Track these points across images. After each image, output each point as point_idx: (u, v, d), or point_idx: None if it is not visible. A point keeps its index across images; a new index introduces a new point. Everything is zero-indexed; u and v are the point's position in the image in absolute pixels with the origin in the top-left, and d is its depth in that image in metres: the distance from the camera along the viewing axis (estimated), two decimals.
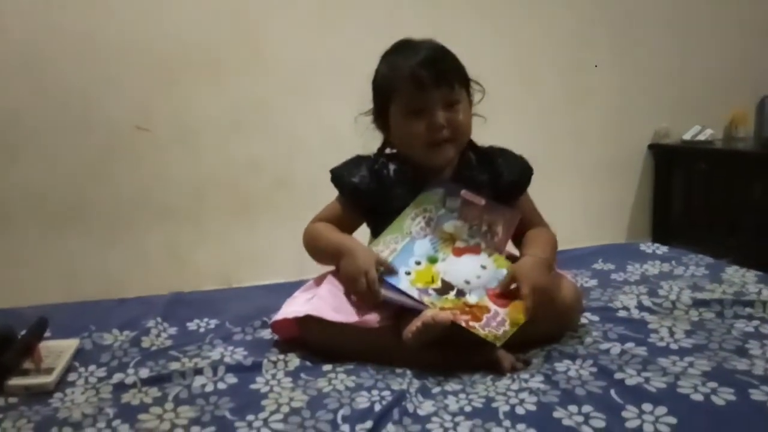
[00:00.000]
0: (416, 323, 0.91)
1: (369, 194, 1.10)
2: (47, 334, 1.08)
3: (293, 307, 1.03)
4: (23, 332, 1.02)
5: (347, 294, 1.01)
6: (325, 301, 1.00)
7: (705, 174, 2.59)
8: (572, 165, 2.57)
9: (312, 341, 1.00)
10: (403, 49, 1.09)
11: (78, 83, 2.02)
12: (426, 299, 0.97)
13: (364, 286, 0.98)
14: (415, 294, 0.98)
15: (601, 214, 2.71)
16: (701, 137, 2.63)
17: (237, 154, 2.22)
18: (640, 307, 1.14)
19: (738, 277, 1.28)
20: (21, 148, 2.00)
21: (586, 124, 2.61)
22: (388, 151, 1.16)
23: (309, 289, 1.10)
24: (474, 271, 1.02)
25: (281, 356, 0.98)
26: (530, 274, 0.99)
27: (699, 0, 2.67)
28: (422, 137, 1.06)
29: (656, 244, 1.53)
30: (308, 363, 0.96)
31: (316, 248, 1.11)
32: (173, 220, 2.19)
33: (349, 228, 1.13)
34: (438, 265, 1.03)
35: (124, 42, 2.03)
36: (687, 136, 2.65)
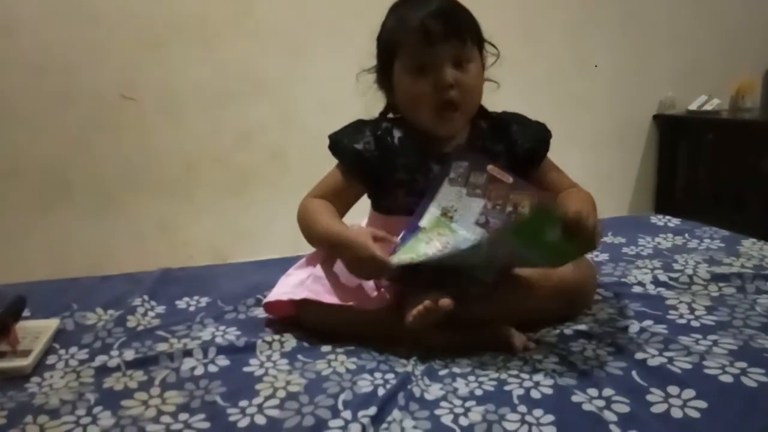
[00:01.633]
0: (418, 307, 0.84)
1: (372, 162, 1.01)
2: (25, 313, 1.01)
3: (287, 288, 0.96)
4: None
5: (347, 273, 0.93)
6: (321, 283, 0.92)
7: (711, 145, 2.52)
8: (575, 133, 2.49)
9: (309, 322, 0.93)
10: (413, 0, 1.00)
11: (58, 49, 1.91)
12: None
13: (372, 267, 0.88)
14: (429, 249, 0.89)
15: (603, 185, 2.61)
16: (707, 107, 2.56)
17: (228, 125, 2.13)
18: (656, 282, 1.08)
19: (756, 251, 1.22)
20: (1, 118, 1.91)
21: (590, 92, 2.53)
22: (392, 115, 1.07)
23: (305, 266, 1.02)
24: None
25: (276, 336, 0.92)
26: (573, 199, 0.94)
27: None
28: (428, 98, 0.97)
29: (667, 217, 1.47)
30: (306, 344, 0.90)
31: (310, 233, 1.00)
32: (162, 194, 2.11)
33: (350, 201, 1.04)
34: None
35: (108, 4, 1.93)
36: (693, 107, 2.58)
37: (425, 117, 0.99)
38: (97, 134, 2.00)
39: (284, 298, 0.94)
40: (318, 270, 0.95)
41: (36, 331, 0.94)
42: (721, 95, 2.58)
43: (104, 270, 2.02)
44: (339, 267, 0.95)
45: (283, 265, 1.11)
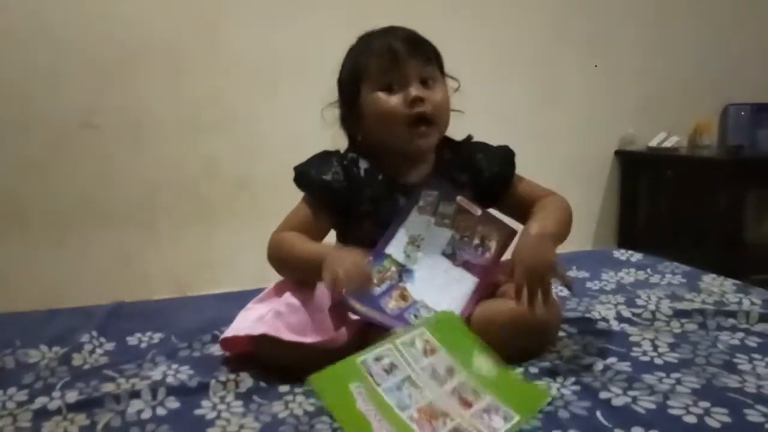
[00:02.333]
0: None
1: (341, 193, 0.99)
2: None
3: (246, 324, 0.92)
4: None
5: (310, 309, 0.90)
6: (282, 318, 0.88)
7: (671, 181, 2.59)
8: (538, 168, 2.51)
9: (267, 359, 0.89)
10: (373, 31, 1.02)
11: (17, 73, 1.86)
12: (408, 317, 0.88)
13: (358, 270, 0.86)
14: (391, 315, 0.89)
15: None
16: (667, 144, 2.63)
17: (193, 154, 2.10)
18: (620, 318, 1.08)
19: (716, 286, 1.23)
20: None
21: (553, 127, 2.58)
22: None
23: (265, 299, 0.99)
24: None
25: (232, 376, 0.87)
26: (526, 253, 0.88)
27: (667, 8, 2.67)
28: (400, 113, 0.97)
29: (630, 251, 1.48)
30: (262, 383, 0.86)
31: (287, 261, 0.97)
32: (122, 224, 2.05)
33: (320, 235, 1.02)
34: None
35: (72, 28, 1.89)
36: (653, 143, 2.64)
37: (399, 134, 0.99)
38: (55, 162, 1.95)
39: (241, 333, 0.90)
40: (279, 305, 0.91)
41: None
42: (680, 132, 2.66)
43: (58, 304, 1.95)
44: (303, 301, 0.92)
45: (244, 298, 1.07)
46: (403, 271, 0.95)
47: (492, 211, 1.04)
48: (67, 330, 1.05)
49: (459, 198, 0.97)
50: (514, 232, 0.99)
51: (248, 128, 2.14)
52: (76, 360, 0.95)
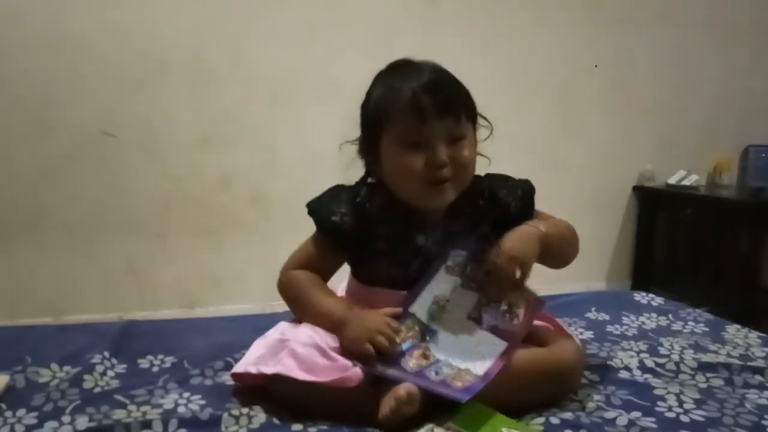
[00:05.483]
0: (389, 402, 0.79)
1: (351, 234, 0.96)
2: None
3: (258, 358, 0.90)
4: None
5: (324, 345, 0.87)
6: (296, 357, 0.86)
7: (689, 220, 2.56)
8: (554, 198, 2.50)
9: (280, 395, 0.87)
10: (401, 69, 0.96)
11: (39, 80, 1.87)
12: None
13: (384, 341, 0.85)
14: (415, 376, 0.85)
15: (581, 253, 2.64)
16: (686, 182, 2.60)
17: (209, 167, 2.10)
18: (643, 367, 1.04)
19: (741, 338, 1.20)
20: None
21: (571, 158, 2.56)
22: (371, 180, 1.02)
23: (283, 330, 0.96)
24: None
25: (245, 410, 0.85)
26: (511, 241, 0.91)
27: (690, 45, 2.66)
28: (419, 174, 0.91)
29: (651, 295, 1.45)
30: (275, 420, 0.83)
31: (300, 305, 0.96)
32: (135, 235, 2.04)
33: (331, 270, 1.00)
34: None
35: (96, 38, 1.90)
36: (672, 180, 2.62)
37: (415, 191, 0.95)
38: (72, 169, 1.95)
39: (253, 370, 0.88)
40: (293, 343, 0.88)
41: None
42: (699, 170, 2.64)
43: (68, 311, 1.95)
44: (318, 337, 0.89)
45: (257, 323, 1.06)
46: (427, 331, 0.91)
47: None
48: (78, 348, 1.03)
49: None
50: (543, 302, 0.96)
51: (264, 144, 2.13)
52: (88, 382, 0.93)
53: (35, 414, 0.83)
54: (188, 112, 2.05)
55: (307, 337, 0.88)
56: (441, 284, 0.93)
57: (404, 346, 0.88)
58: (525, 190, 1.05)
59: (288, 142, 2.13)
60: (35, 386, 0.91)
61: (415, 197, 0.96)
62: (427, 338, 0.90)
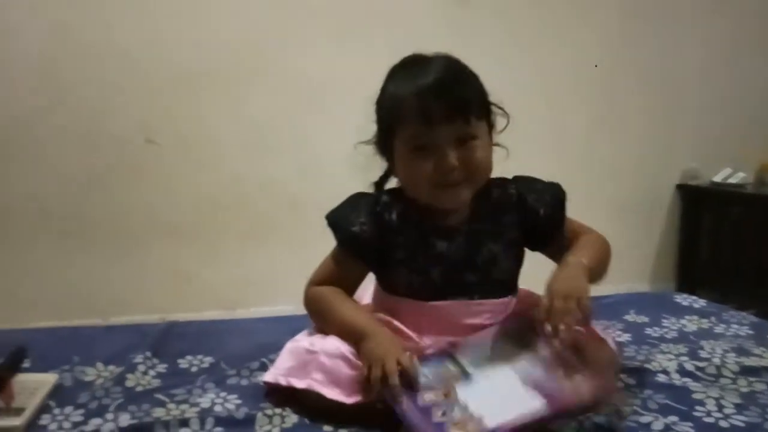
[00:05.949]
0: None
1: (371, 244, 0.95)
2: (26, 364, 0.99)
3: (287, 369, 0.90)
4: None
5: (348, 360, 0.86)
6: (324, 371, 0.86)
7: (735, 219, 2.47)
8: (594, 200, 2.46)
9: (310, 404, 0.87)
10: (410, 67, 0.93)
11: (89, 93, 1.96)
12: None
13: (378, 376, 0.81)
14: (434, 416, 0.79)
15: (623, 252, 2.56)
16: (732, 180, 2.52)
17: (248, 173, 2.14)
18: (681, 371, 1.02)
19: None
20: (28, 158, 1.94)
21: (611, 158, 2.51)
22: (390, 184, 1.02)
23: (314, 337, 0.96)
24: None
25: (278, 410, 0.87)
26: (559, 280, 0.86)
27: (736, 38, 2.58)
28: (429, 178, 0.90)
29: (693, 297, 1.41)
30: (307, 421, 0.85)
31: (325, 319, 0.95)
32: (179, 239, 2.11)
33: (354, 282, 0.99)
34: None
35: (140, 49, 1.98)
36: (717, 178, 2.54)
37: (426, 193, 0.93)
38: (119, 177, 2.02)
39: (284, 383, 0.89)
40: (321, 355, 0.88)
41: (33, 386, 0.91)
42: (745, 168, 2.55)
43: (116, 312, 2.03)
44: (347, 347, 0.89)
45: (294, 323, 1.07)
46: (463, 374, 0.86)
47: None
48: (122, 348, 1.08)
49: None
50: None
51: (302, 150, 2.17)
52: (130, 381, 0.97)
53: (81, 411, 0.87)
54: (228, 119, 2.10)
55: (334, 347, 0.88)
56: (495, 344, 0.88)
57: (430, 382, 0.83)
58: (554, 195, 1.02)
59: (324, 147, 2.16)
60: (81, 385, 0.96)
61: (428, 199, 0.94)
62: (461, 380, 0.85)
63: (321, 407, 0.86)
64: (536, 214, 0.99)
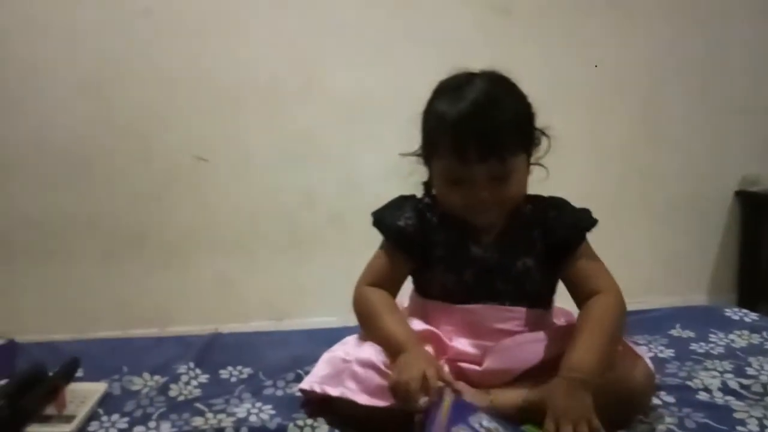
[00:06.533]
0: None
1: (415, 238, 1.00)
2: (79, 373, 1.05)
3: (322, 378, 0.94)
4: (54, 372, 1.00)
5: (380, 370, 0.88)
6: (358, 380, 0.88)
7: None
8: (646, 208, 2.39)
9: (342, 413, 0.90)
10: (453, 89, 0.95)
11: (142, 112, 2.06)
12: None
13: (404, 392, 0.82)
14: None
15: (679, 264, 2.48)
16: None
17: (292, 187, 2.20)
18: (725, 389, 0.99)
19: None
20: (83, 173, 2.05)
21: (663, 163, 2.41)
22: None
23: (349, 346, 0.99)
24: None
25: (309, 421, 0.90)
26: (559, 400, 0.83)
27: None
28: (461, 205, 0.96)
29: (744, 310, 1.35)
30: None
31: (369, 324, 0.98)
32: (226, 251, 2.18)
33: (400, 280, 1.03)
34: None
35: (184, 69, 2.06)
36: None
37: (457, 213, 0.99)
38: (168, 192, 2.11)
39: (318, 390, 0.92)
40: (354, 364, 0.91)
41: (84, 394, 0.97)
42: None
43: (167, 322, 2.11)
44: (381, 357, 0.91)
45: (331, 336, 1.10)
46: None
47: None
48: (168, 359, 1.13)
49: None
50: None
51: (342, 163, 2.20)
52: (173, 391, 1.02)
53: (127, 419, 0.93)
54: (270, 134, 2.16)
55: (367, 357, 0.90)
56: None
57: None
58: (576, 222, 1.00)
59: (364, 160, 2.19)
60: (128, 394, 1.01)
61: (460, 217, 0.99)
62: None
63: (353, 415, 0.88)
64: (553, 231, 0.99)
